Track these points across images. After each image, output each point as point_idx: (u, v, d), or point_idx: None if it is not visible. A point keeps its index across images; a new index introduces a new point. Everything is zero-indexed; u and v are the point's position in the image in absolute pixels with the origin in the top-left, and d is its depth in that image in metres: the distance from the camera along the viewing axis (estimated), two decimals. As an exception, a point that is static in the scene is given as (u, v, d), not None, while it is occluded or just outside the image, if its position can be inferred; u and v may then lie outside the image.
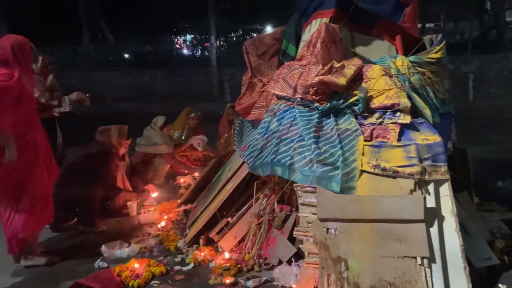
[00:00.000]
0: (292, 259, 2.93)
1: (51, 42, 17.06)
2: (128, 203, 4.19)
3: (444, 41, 3.18)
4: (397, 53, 3.30)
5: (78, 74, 16.79)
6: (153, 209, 4.26)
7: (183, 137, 5.92)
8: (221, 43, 18.68)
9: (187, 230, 3.62)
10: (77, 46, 18.72)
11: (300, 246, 2.84)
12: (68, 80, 15.38)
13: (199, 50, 20.11)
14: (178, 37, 21.22)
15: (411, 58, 3.01)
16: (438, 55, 3.08)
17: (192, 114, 5.98)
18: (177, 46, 20.63)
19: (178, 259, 3.22)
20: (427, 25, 17.62)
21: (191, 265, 3.09)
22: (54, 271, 3.14)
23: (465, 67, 13.07)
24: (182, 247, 3.38)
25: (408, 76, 2.90)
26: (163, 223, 3.91)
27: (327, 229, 2.50)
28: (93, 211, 3.84)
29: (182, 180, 5.32)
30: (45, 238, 3.68)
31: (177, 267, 3.08)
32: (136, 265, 3.01)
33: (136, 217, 4.13)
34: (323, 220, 2.52)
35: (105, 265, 3.16)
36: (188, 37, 21.16)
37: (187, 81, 16.24)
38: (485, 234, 3.12)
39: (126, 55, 18.77)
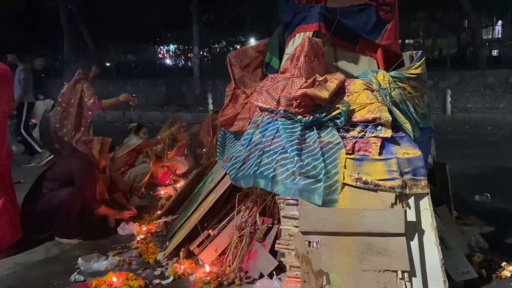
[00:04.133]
0: (274, 272, 2.90)
1: (31, 49, 16.76)
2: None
3: (424, 57, 3.26)
4: (378, 68, 3.36)
5: (58, 82, 16.52)
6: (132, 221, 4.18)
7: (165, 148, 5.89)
8: (205, 53, 18.69)
9: (167, 243, 3.56)
10: (58, 54, 18.44)
11: (281, 259, 2.82)
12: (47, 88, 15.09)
13: (182, 60, 20.09)
14: (161, 47, 21.17)
15: (392, 73, 3.07)
16: (418, 70, 3.14)
17: (176, 125, 5.96)
18: (160, 55, 20.56)
19: (157, 272, 3.15)
20: (406, 41, 18.04)
21: (171, 278, 3.03)
22: (28, 285, 3.03)
23: (443, 83, 13.37)
24: (162, 260, 3.31)
25: (389, 90, 2.94)
26: (142, 235, 3.84)
27: (309, 242, 2.50)
28: (70, 222, 3.74)
29: (162, 192, 5.26)
30: (19, 249, 3.54)
31: (156, 281, 3.01)
32: (114, 279, 2.92)
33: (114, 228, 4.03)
34: (305, 233, 2.52)
35: (82, 278, 3.06)
36: (171, 47, 21.13)
37: (170, 91, 16.16)
38: (463, 248, 3.15)
39: (108, 64, 18.57)
